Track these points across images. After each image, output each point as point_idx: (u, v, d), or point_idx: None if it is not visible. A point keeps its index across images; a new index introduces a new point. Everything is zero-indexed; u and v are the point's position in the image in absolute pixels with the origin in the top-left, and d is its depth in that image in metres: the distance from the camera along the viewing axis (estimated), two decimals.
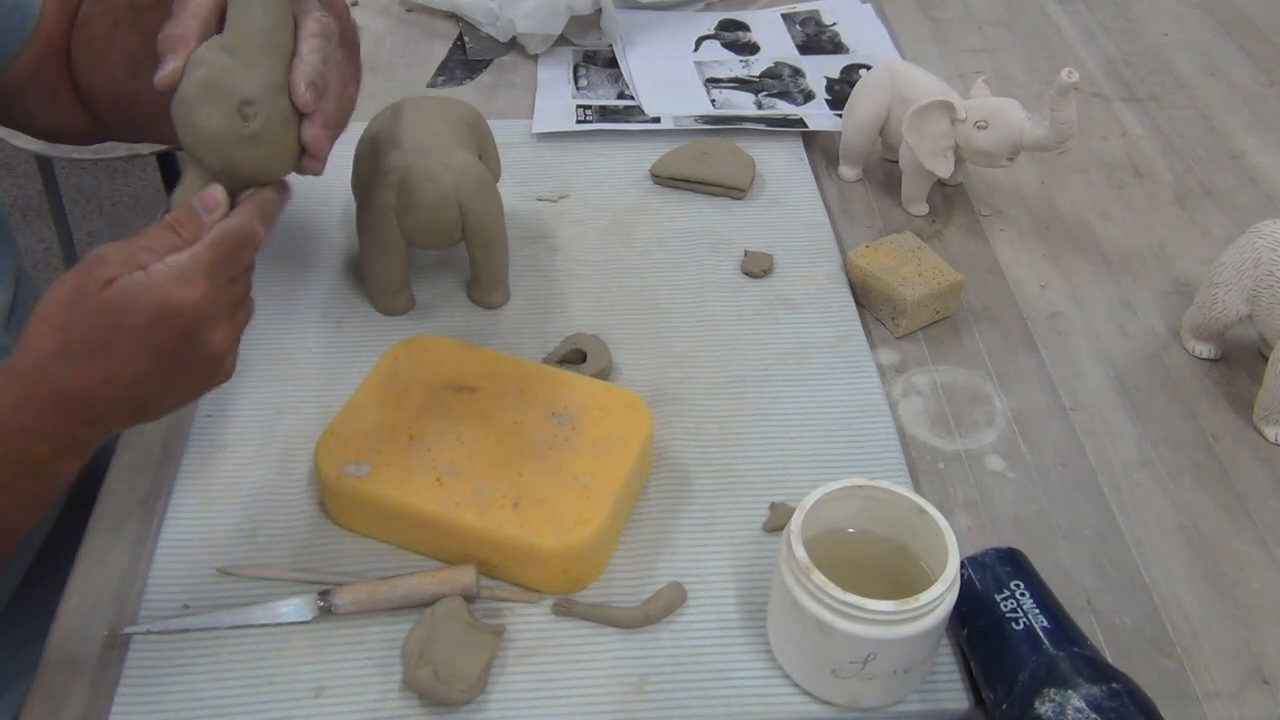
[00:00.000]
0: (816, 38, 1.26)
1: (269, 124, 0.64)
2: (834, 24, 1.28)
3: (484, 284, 0.90)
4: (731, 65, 1.20)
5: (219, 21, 0.66)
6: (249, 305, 0.66)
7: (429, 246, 0.88)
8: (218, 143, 0.63)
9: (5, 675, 0.84)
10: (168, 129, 0.72)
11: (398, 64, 1.20)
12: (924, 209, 1.03)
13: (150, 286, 0.59)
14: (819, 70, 1.20)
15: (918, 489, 0.79)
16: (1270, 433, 0.84)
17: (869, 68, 1.18)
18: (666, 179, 1.04)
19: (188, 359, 0.62)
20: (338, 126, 0.69)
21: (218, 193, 0.63)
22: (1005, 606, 0.66)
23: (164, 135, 0.85)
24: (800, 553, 0.62)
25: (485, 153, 0.91)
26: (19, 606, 0.85)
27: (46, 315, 0.60)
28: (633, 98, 1.14)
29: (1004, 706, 0.63)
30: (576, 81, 1.17)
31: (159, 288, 0.59)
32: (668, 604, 0.70)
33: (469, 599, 0.69)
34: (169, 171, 2.01)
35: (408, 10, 1.27)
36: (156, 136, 0.85)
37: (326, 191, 1.01)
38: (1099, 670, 0.62)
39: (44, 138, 0.91)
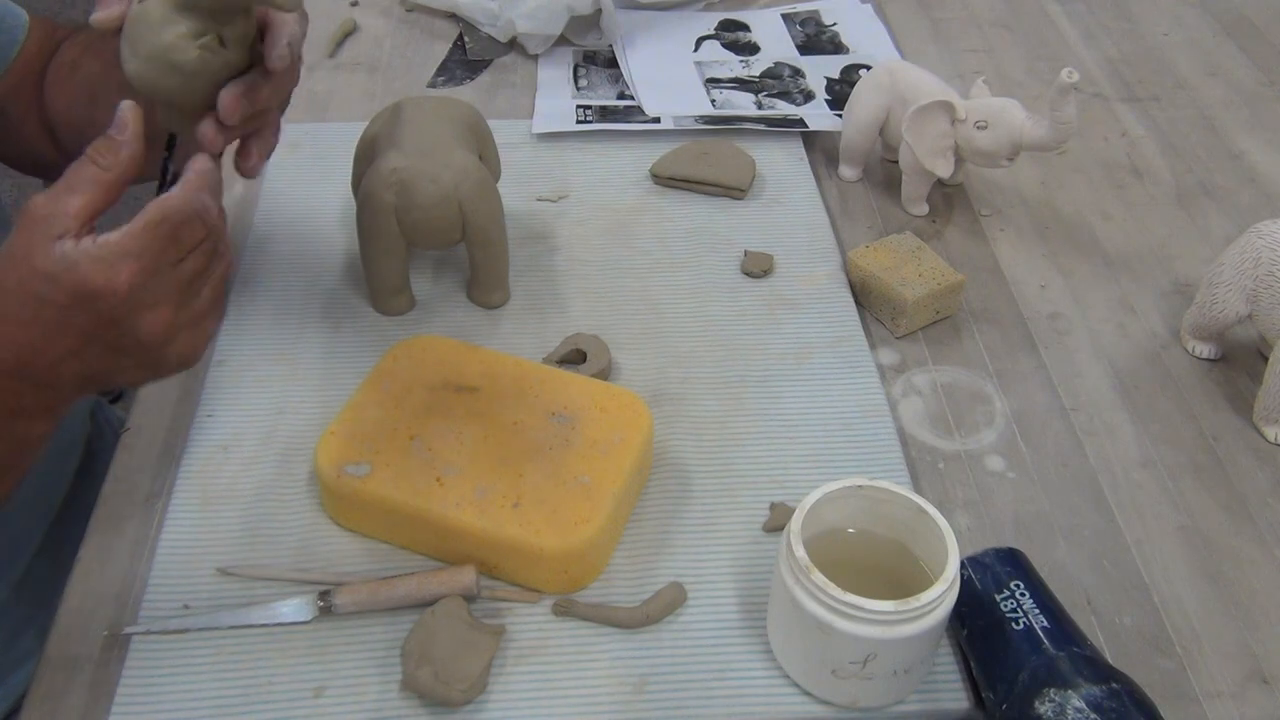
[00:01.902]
0: (816, 38, 1.26)
1: (211, 54, 0.61)
2: (834, 24, 1.28)
3: (484, 284, 0.90)
4: (731, 65, 1.20)
5: None
6: (208, 290, 0.62)
7: (429, 247, 0.88)
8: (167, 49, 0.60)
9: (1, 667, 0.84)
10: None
11: (398, 64, 1.20)
12: (924, 209, 1.03)
13: (72, 266, 0.56)
14: (819, 70, 1.20)
15: (918, 489, 0.79)
16: (1270, 433, 0.84)
17: (869, 68, 1.18)
18: (666, 179, 1.04)
19: (117, 343, 0.59)
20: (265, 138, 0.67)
21: (126, 110, 0.59)
22: (1005, 606, 0.66)
23: None
24: (800, 553, 0.62)
25: (485, 153, 0.91)
26: (17, 601, 0.85)
27: None
28: (633, 98, 1.14)
29: (1004, 706, 0.63)
30: (576, 81, 1.17)
31: (79, 269, 0.56)
32: (668, 604, 0.70)
33: (469, 599, 0.69)
34: (168, 171, 2.00)
35: (408, 10, 1.27)
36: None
37: (326, 191, 1.01)
38: (1099, 670, 0.62)
39: (10, 165, 0.89)
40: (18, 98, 0.82)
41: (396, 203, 0.83)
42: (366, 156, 0.88)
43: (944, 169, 0.98)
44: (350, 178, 0.92)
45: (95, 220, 0.58)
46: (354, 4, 1.29)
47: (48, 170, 0.87)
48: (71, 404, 0.64)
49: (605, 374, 0.84)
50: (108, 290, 0.57)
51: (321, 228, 0.98)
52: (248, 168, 0.68)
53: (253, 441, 0.80)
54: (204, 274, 0.61)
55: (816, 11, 1.30)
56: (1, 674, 0.84)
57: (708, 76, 1.18)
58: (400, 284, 0.89)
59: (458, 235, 0.86)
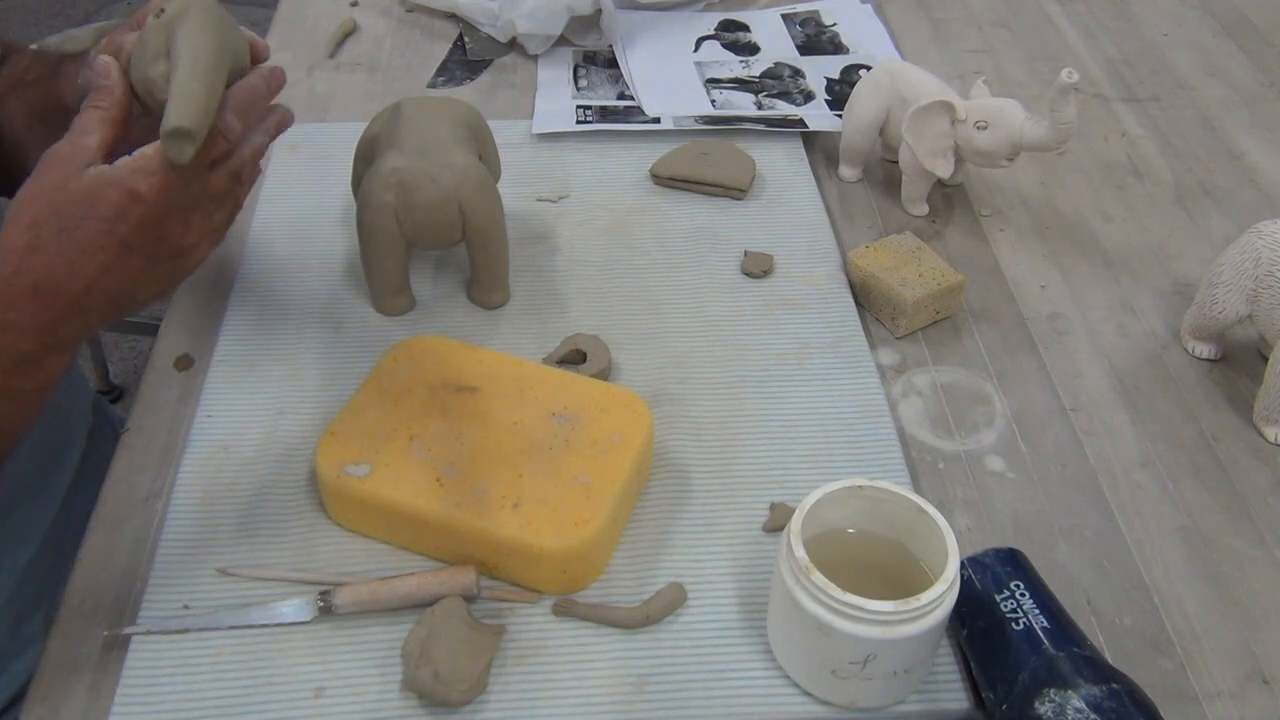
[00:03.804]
0: (816, 38, 1.26)
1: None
2: (834, 24, 1.28)
3: (484, 284, 0.90)
4: (731, 65, 1.20)
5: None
6: (232, 196, 0.69)
7: (429, 247, 0.88)
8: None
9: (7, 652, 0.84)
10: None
11: (398, 64, 1.20)
12: (924, 209, 1.03)
13: (114, 180, 0.62)
14: (819, 71, 1.20)
15: (918, 489, 0.79)
16: (1270, 433, 0.84)
17: (869, 68, 1.18)
18: (666, 179, 1.04)
19: (153, 249, 0.65)
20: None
21: (106, 61, 0.66)
22: (1005, 606, 0.66)
23: None
24: (800, 553, 0.62)
25: (485, 153, 0.91)
26: (23, 588, 0.86)
27: (17, 217, 0.63)
28: (633, 98, 1.14)
29: (1004, 706, 0.63)
30: (576, 82, 1.17)
31: (124, 180, 0.62)
32: (668, 604, 0.70)
33: (469, 599, 0.69)
34: None
35: (408, 10, 1.27)
36: None
37: (326, 191, 1.01)
38: (1099, 670, 0.62)
39: None
40: None
41: (396, 203, 0.83)
42: (366, 157, 0.88)
43: (944, 169, 0.98)
44: (350, 178, 0.92)
45: (111, 153, 0.64)
46: (354, 4, 1.29)
47: None
48: (92, 334, 0.68)
49: (605, 374, 0.84)
50: (150, 194, 0.63)
51: (321, 228, 0.98)
52: None
53: (253, 441, 0.80)
54: (228, 192, 0.68)
55: (816, 11, 1.30)
56: (7, 659, 0.84)
57: (708, 77, 1.18)
58: (400, 284, 0.89)
59: (458, 235, 0.86)
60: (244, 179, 0.69)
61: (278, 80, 0.70)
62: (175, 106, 0.62)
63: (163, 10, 0.66)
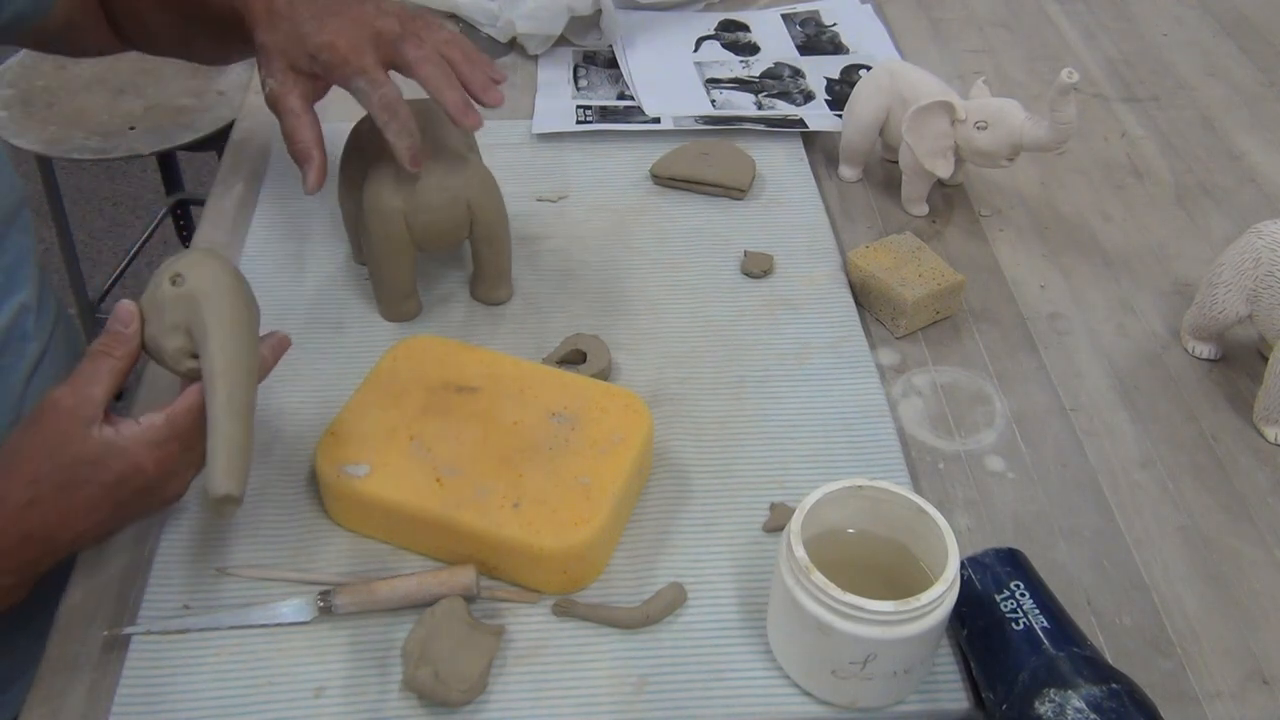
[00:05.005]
0: (816, 38, 1.26)
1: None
2: (834, 24, 1.28)
3: (489, 281, 0.90)
4: (731, 65, 1.20)
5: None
6: None
7: (437, 248, 0.88)
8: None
9: (8, 670, 0.84)
10: (205, 53, 0.94)
11: None
12: (924, 209, 1.03)
13: (120, 450, 0.64)
14: (819, 71, 1.20)
15: (918, 489, 0.79)
16: (1270, 433, 0.84)
17: (869, 68, 1.18)
18: (666, 179, 1.04)
19: (142, 504, 0.67)
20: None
21: (128, 305, 0.67)
22: (1005, 607, 0.66)
23: (203, 57, 1.00)
24: (800, 553, 0.62)
25: (470, 148, 0.90)
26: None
27: (16, 469, 0.64)
28: (633, 98, 1.14)
29: (1004, 707, 0.63)
30: (576, 82, 1.17)
31: (130, 452, 0.64)
32: (668, 604, 0.70)
33: (469, 599, 0.69)
34: (169, 172, 2.01)
35: None
36: (197, 59, 0.99)
37: (327, 191, 1.00)
38: (1099, 670, 0.62)
39: (66, 55, 1.06)
40: (85, 14, 0.90)
41: (405, 207, 0.83)
42: (358, 159, 0.87)
43: (944, 169, 0.98)
44: (339, 180, 0.91)
45: (110, 402, 0.66)
46: None
47: (104, 54, 0.99)
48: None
49: (605, 374, 0.84)
50: (157, 470, 0.65)
51: (322, 228, 0.98)
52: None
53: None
54: None
55: (816, 11, 1.30)
56: (10, 679, 0.84)
57: (708, 77, 1.18)
58: (410, 289, 0.89)
59: (465, 234, 0.86)
60: None
61: (284, 347, 0.72)
62: (223, 471, 0.63)
63: (179, 276, 0.66)
